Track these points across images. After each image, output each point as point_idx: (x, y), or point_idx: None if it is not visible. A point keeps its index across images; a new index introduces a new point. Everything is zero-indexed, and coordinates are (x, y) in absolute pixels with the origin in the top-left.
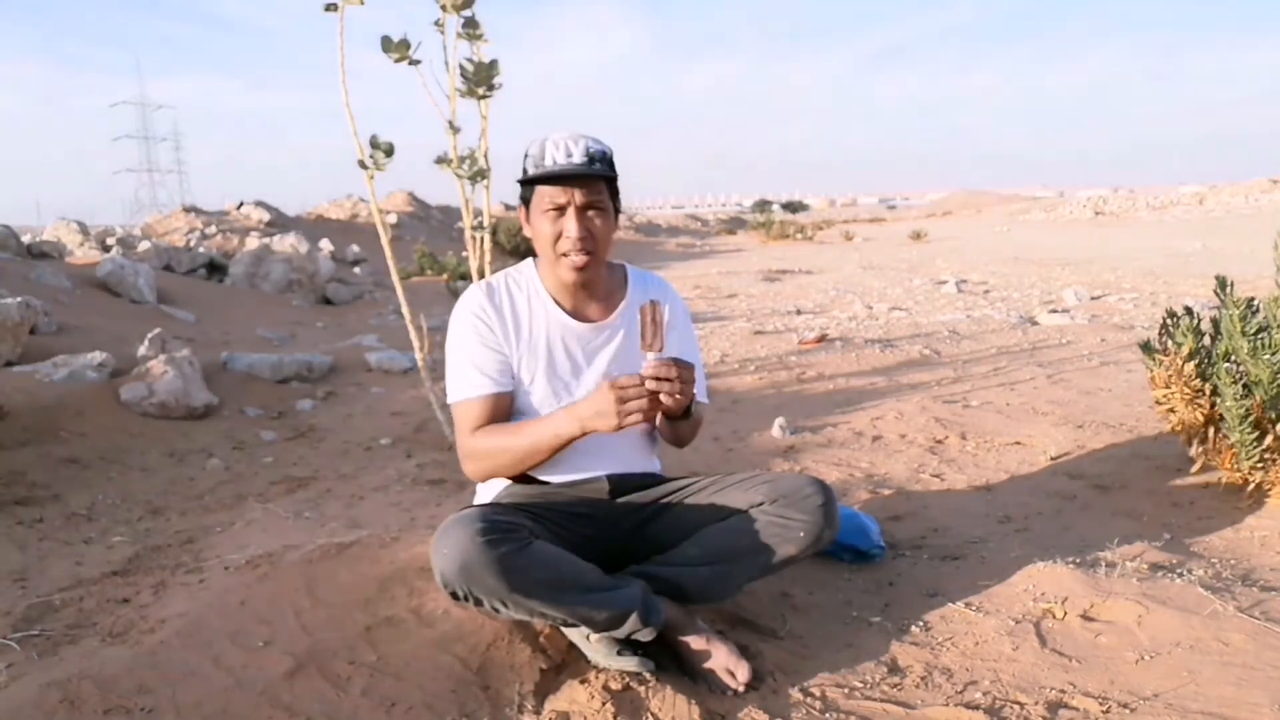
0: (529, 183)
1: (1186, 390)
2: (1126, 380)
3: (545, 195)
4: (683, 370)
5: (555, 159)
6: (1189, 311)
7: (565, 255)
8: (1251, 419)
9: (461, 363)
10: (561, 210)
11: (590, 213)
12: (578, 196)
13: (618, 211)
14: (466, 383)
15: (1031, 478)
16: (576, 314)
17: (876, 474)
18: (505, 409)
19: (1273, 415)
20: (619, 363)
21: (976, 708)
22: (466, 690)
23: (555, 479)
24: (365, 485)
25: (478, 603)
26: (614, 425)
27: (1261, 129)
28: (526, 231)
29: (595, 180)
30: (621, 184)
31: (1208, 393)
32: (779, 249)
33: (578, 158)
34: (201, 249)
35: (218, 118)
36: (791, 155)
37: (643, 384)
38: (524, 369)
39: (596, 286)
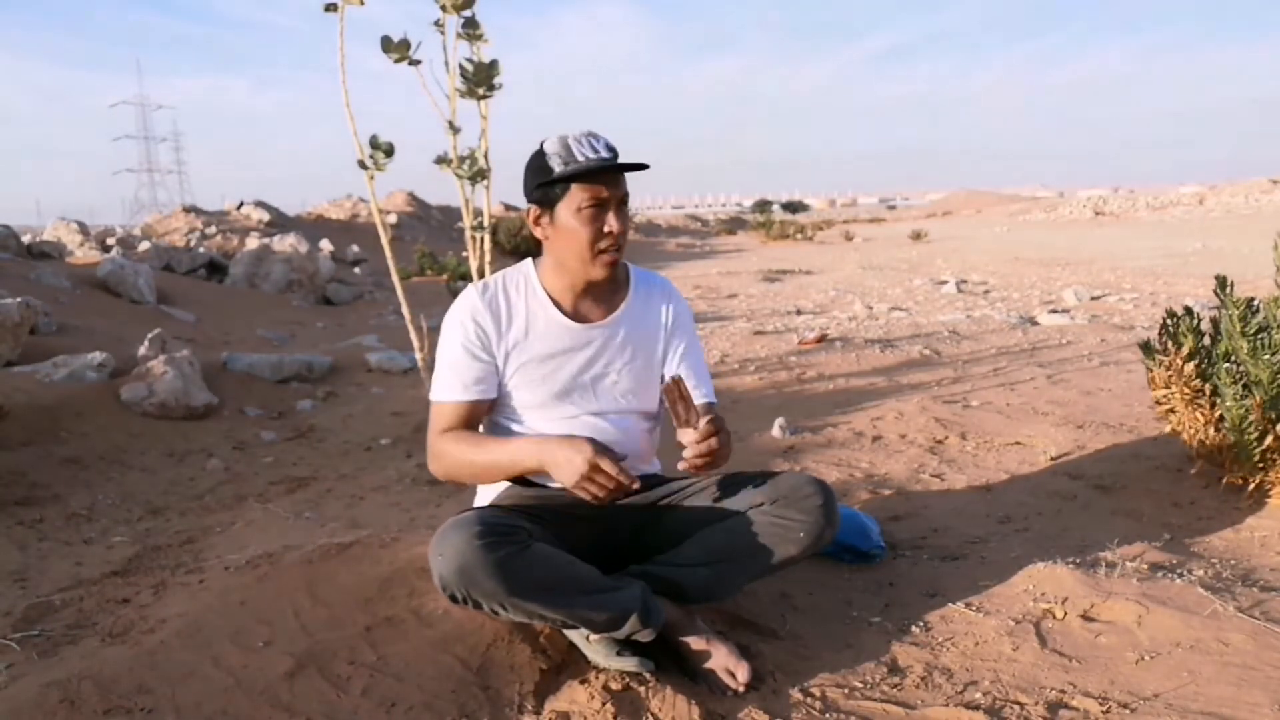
0: (562, 181)
1: (1186, 390)
2: (1126, 380)
3: (586, 192)
4: (723, 444)
5: (586, 155)
6: (1189, 311)
7: (603, 252)
8: (1251, 419)
9: (443, 366)
10: (603, 205)
11: (624, 207)
12: (617, 191)
13: None
14: (444, 386)
15: (1031, 478)
16: (575, 315)
17: (876, 474)
18: (478, 416)
19: (1273, 415)
20: (615, 365)
21: (976, 708)
22: (466, 690)
23: (554, 482)
24: (365, 485)
25: (476, 605)
26: (568, 485)
27: (1261, 129)
28: (538, 234)
29: (623, 174)
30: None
31: (1208, 393)
32: (779, 249)
33: (606, 152)
34: (201, 249)
35: (218, 118)
36: (791, 155)
37: (621, 475)
38: (516, 369)
39: (607, 285)
